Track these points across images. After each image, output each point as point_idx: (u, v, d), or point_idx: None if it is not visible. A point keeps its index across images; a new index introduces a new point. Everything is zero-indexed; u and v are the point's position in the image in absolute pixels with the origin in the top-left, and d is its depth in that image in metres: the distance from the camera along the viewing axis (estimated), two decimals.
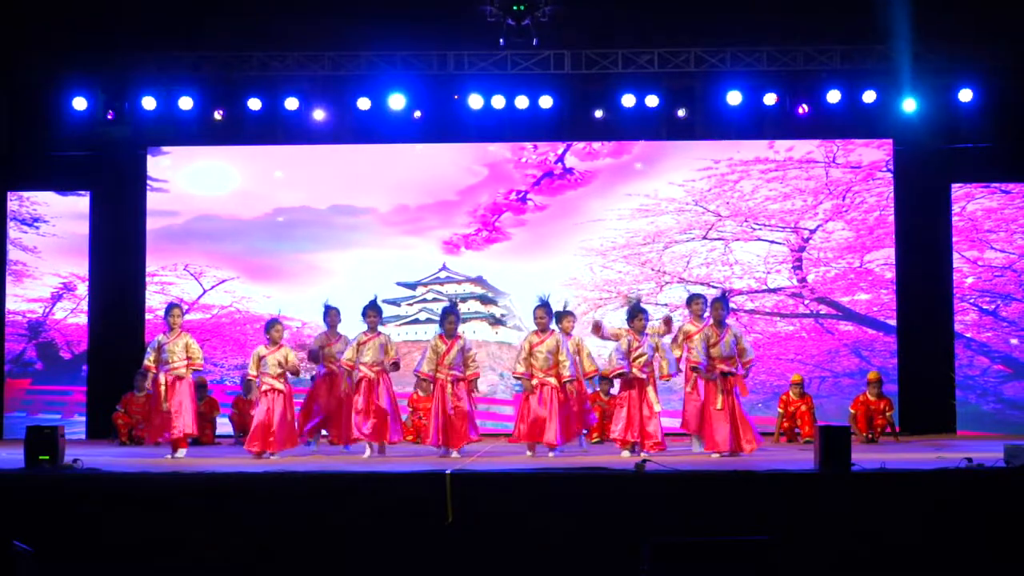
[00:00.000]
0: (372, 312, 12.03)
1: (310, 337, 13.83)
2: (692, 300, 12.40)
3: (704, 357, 11.57)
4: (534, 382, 11.69)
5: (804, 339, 15.30)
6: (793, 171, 15.33)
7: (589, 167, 15.49)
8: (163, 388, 11.77)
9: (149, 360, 11.94)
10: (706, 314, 12.06)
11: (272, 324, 12.02)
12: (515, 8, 12.65)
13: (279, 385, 11.75)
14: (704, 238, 15.37)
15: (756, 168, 15.34)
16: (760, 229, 15.36)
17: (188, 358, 11.88)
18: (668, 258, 15.37)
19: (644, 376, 11.60)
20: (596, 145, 15.45)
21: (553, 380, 11.67)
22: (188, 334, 12.09)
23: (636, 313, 11.73)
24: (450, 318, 11.79)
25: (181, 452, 11.77)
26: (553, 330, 11.92)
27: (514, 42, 13.06)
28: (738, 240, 15.35)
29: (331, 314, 12.71)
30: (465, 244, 15.53)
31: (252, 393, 12.21)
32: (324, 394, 12.57)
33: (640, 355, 11.57)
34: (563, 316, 12.40)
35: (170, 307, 12.19)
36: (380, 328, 12.19)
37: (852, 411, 13.65)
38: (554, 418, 11.56)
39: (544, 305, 11.86)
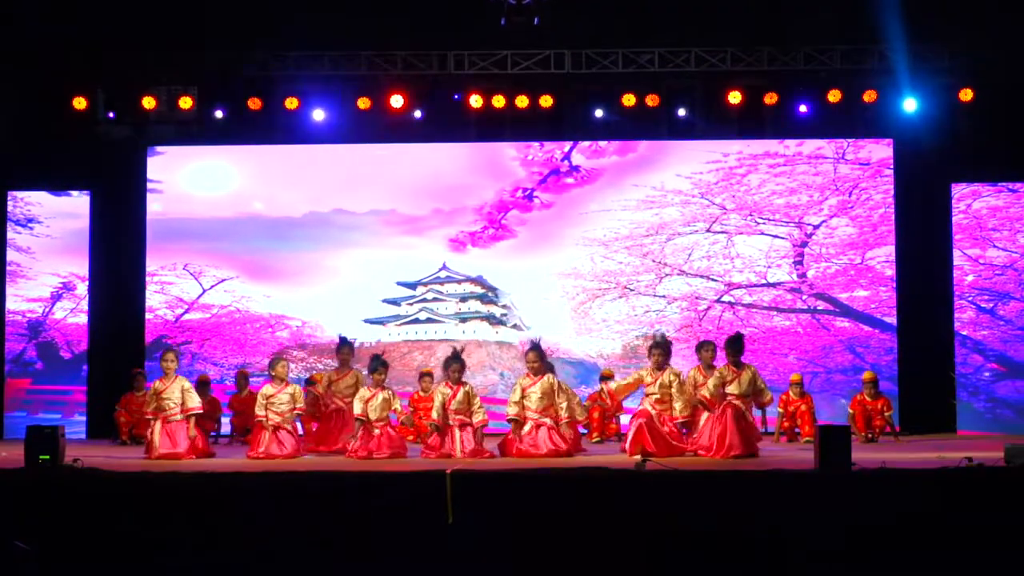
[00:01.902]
0: (383, 369, 11.74)
1: (310, 336, 13.79)
2: (701, 347, 12.00)
3: (718, 395, 11.42)
4: (527, 427, 11.52)
5: (799, 334, 15.30)
6: (801, 166, 15.34)
7: (595, 165, 15.49)
8: (156, 437, 11.53)
9: (148, 408, 11.75)
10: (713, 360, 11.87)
11: (276, 361, 11.98)
12: None
13: (287, 425, 11.72)
14: (708, 231, 15.37)
15: (765, 162, 15.34)
16: (764, 223, 15.37)
17: (183, 403, 11.69)
18: (670, 250, 15.37)
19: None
20: (602, 143, 15.46)
21: (549, 421, 11.54)
22: (184, 379, 11.92)
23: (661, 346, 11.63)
24: (454, 366, 11.66)
25: None
26: (545, 372, 11.73)
27: (514, 22, 12.97)
28: (741, 234, 15.36)
29: (343, 351, 12.52)
30: (472, 242, 15.53)
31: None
32: (322, 433, 12.36)
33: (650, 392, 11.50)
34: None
35: (164, 352, 12.01)
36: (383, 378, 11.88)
37: (850, 411, 13.64)
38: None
39: (535, 348, 11.73)
